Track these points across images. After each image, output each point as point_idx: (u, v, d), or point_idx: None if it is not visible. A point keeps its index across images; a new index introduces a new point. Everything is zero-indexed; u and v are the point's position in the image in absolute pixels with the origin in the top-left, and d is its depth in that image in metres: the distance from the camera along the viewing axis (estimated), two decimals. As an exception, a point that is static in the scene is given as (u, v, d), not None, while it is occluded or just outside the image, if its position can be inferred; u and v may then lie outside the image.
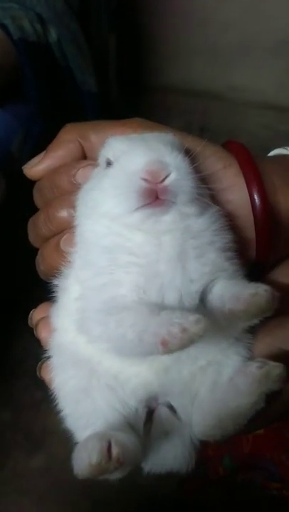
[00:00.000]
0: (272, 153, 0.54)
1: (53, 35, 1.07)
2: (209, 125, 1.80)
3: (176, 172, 0.37)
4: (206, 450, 0.83)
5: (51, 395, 1.56)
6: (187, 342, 0.31)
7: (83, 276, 0.40)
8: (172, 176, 0.37)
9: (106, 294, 0.38)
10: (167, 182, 0.37)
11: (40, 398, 1.49)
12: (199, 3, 1.91)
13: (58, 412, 1.49)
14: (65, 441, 1.53)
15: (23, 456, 1.40)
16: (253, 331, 0.42)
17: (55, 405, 1.50)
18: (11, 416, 1.48)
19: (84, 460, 0.34)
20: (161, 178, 0.37)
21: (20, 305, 1.54)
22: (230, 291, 0.36)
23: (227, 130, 1.79)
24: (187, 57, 2.08)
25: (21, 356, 1.56)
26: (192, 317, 0.32)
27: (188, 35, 2.02)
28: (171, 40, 2.06)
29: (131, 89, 2.07)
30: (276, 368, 0.35)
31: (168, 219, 0.38)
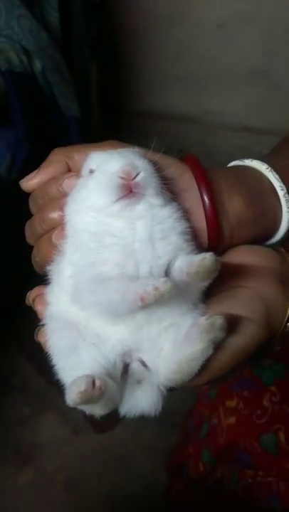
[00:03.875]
0: (230, 164, 0.65)
1: (37, 65, 1.14)
2: (187, 147, 1.89)
3: (144, 172, 0.49)
4: (186, 448, 0.88)
5: (38, 410, 1.57)
6: (159, 297, 0.41)
7: (75, 258, 0.50)
8: (141, 174, 0.48)
9: (95, 269, 0.48)
10: (138, 179, 0.48)
11: (28, 414, 1.51)
12: (176, 35, 2.02)
13: (46, 427, 1.50)
14: (53, 456, 1.54)
15: (11, 471, 1.41)
16: (206, 302, 0.53)
17: (43, 420, 1.51)
18: (-1, 432, 1.49)
19: (74, 390, 0.43)
20: (133, 176, 0.48)
21: (8, 322, 1.58)
22: (186, 261, 0.47)
23: (204, 152, 1.88)
24: (165, 84, 2.17)
25: (9, 373, 1.58)
26: (162, 279, 0.42)
27: (165, 64, 2.12)
28: (149, 68, 2.16)
29: (112, 114, 2.16)
30: (219, 319, 0.45)
31: (140, 208, 0.49)
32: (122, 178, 0.47)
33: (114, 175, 0.48)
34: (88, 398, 0.43)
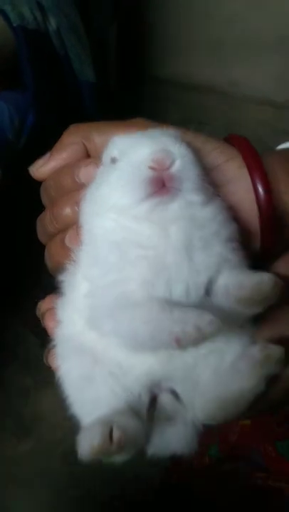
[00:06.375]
0: (281, 147, 0.55)
1: (52, 23, 1.07)
2: (207, 119, 1.80)
3: (181, 160, 0.38)
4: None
5: (40, 381, 1.56)
6: (201, 340, 0.33)
7: (92, 274, 0.41)
8: (177, 163, 0.38)
9: (116, 290, 0.38)
10: (173, 169, 0.38)
11: (30, 385, 1.50)
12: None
13: (47, 398, 1.49)
14: (54, 427, 1.54)
15: (11, 441, 1.42)
16: (256, 319, 0.43)
17: (45, 392, 1.49)
18: (0, 402, 1.49)
19: (87, 443, 0.36)
20: (167, 165, 0.37)
21: (11, 294, 1.56)
22: (235, 280, 0.38)
23: (225, 125, 1.79)
24: (188, 51, 2.07)
25: (11, 343, 1.56)
26: (207, 318, 0.33)
27: (190, 28, 2.01)
28: (172, 32, 2.05)
29: (130, 80, 2.06)
30: (276, 350, 0.37)
31: (175, 207, 0.39)
32: (152, 168, 0.37)
33: (142, 164, 0.38)
34: (104, 453, 0.36)
